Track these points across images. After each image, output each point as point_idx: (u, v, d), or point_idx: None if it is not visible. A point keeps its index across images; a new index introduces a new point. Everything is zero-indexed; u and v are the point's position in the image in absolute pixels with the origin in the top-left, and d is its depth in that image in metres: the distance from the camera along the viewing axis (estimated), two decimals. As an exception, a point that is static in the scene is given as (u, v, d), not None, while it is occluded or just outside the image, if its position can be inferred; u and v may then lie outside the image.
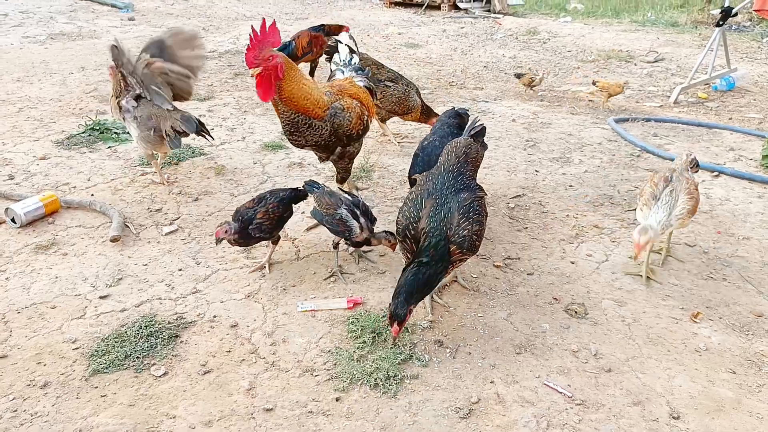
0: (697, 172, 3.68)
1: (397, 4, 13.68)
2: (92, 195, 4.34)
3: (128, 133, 4.49)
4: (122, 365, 2.76)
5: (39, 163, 4.82)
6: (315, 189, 3.48)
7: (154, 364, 2.78)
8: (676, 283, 3.50)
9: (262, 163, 4.96)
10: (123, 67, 4.21)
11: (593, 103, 6.88)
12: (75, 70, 7.43)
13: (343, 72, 4.17)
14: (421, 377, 2.74)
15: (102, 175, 4.67)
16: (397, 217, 3.03)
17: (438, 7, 13.18)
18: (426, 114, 5.27)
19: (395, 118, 5.55)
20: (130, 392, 2.62)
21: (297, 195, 3.57)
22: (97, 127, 5.40)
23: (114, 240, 3.71)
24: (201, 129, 4.23)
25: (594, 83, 6.73)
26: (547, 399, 2.65)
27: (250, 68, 3.33)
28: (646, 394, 2.68)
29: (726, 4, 7.05)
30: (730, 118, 6.39)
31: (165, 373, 2.73)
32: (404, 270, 2.84)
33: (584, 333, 3.07)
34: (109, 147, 5.16)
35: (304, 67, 7.03)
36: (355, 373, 2.73)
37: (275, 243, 3.54)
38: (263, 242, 3.53)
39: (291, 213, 3.56)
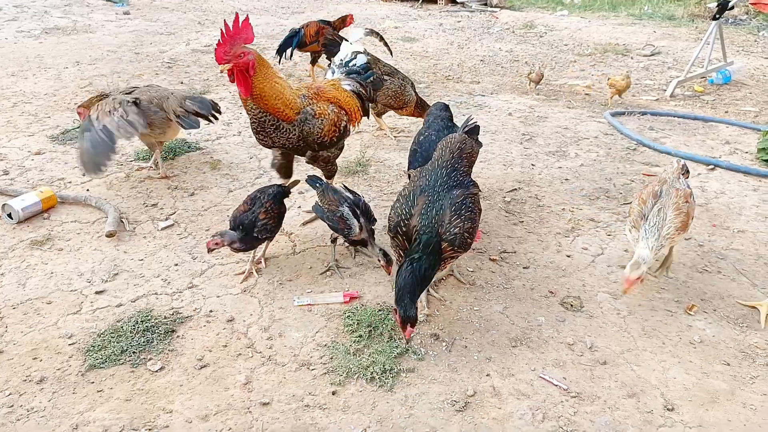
0: (687, 177, 3.55)
1: (393, -3, 13.62)
2: (87, 190, 4.33)
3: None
4: (118, 360, 2.76)
5: (34, 158, 4.80)
6: (317, 185, 3.49)
7: (150, 358, 2.79)
8: (671, 276, 3.51)
9: (258, 157, 4.94)
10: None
11: (589, 97, 6.88)
12: (70, 65, 7.39)
13: (333, 73, 4.01)
14: (417, 370, 2.75)
15: (97, 170, 4.65)
16: (389, 214, 3.02)
17: (434, 1, 13.14)
18: (421, 108, 5.27)
19: (391, 112, 5.55)
20: (127, 387, 2.62)
21: (284, 190, 3.54)
22: (92, 122, 5.37)
23: (110, 235, 3.70)
24: (215, 109, 4.36)
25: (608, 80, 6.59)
26: (542, 392, 2.66)
27: (219, 64, 3.18)
28: (640, 386, 2.70)
29: (722, -3, 7.04)
30: (726, 112, 6.40)
31: (161, 368, 2.73)
32: (399, 270, 2.82)
33: (580, 326, 3.09)
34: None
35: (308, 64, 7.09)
36: (351, 366, 2.74)
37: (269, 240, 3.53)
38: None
39: (285, 208, 3.53)
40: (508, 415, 2.53)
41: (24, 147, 4.99)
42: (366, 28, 4.37)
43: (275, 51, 6.80)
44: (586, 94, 7.00)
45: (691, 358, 2.89)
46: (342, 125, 3.61)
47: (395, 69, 5.33)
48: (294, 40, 6.70)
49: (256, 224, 3.26)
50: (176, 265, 3.51)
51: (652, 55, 8.77)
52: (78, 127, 5.32)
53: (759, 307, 3.21)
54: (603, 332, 3.05)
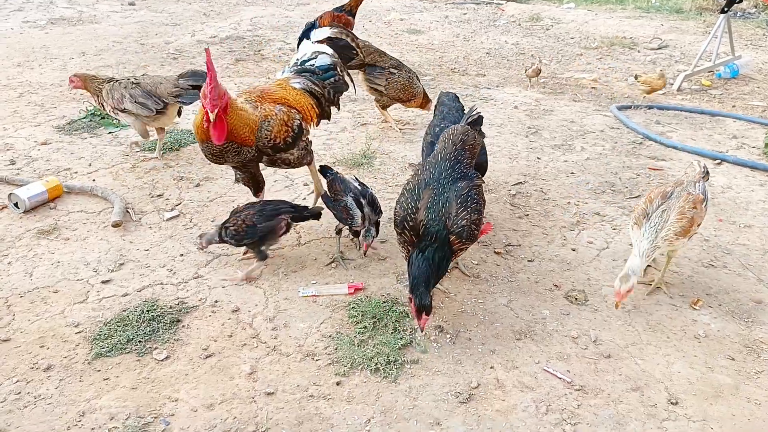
0: (707, 180, 3.44)
1: (399, -11, 13.54)
2: (93, 180, 4.35)
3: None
4: (124, 349, 2.78)
5: (40, 149, 4.81)
6: (328, 174, 3.53)
7: (156, 348, 2.80)
8: (677, 270, 3.50)
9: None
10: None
11: (596, 91, 6.84)
12: (75, 55, 7.40)
13: (282, 72, 3.76)
14: (421, 362, 2.76)
15: (103, 160, 4.67)
16: (395, 209, 3.01)
17: (440, -7, 13.05)
18: (426, 100, 5.28)
19: (396, 105, 5.54)
20: (133, 375, 2.64)
21: (293, 214, 3.37)
22: (98, 113, 5.38)
23: (116, 225, 3.72)
24: None
25: (636, 78, 6.35)
26: (546, 384, 2.67)
27: (212, 112, 2.92)
28: (644, 380, 2.70)
29: (731, -9, 6.97)
30: (734, 106, 6.36)
31: (167, 357, 2.75)
32: (410, 261, 2.80)
33: (584, 319, 3.09)
34: (110, 132, 5.15)
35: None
36: (355, 357, 2.75)
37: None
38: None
39: (274, 226, 3.27)
40: (512, 408, 2.54)
41: (30, 137, 5.01)
42: (332, 29, 4.02)
43: (296, 44, 6.83)
44: (593, 87, 6.97)
45: (695, 352, 2.88)
46: (295, 124, 3.38)
47: (401, 62, 5.33)
48: (310, 33, 6.70)
49: (227, 227, 3.23)
50: (182, 255, 3.52)
51: (660, 48, 8.70)
52: (84, 117, 5.34)
53: None
54: (607, 326, 3.05)
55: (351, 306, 3.09)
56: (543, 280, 3.39)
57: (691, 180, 3.31)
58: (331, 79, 3.75)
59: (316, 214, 3.42)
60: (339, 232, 3.51)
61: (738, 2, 7.07)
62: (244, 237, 3.20)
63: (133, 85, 4.37)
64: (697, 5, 11.37)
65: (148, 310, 3.01)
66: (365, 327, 2.94)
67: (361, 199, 3.27)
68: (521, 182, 4.53)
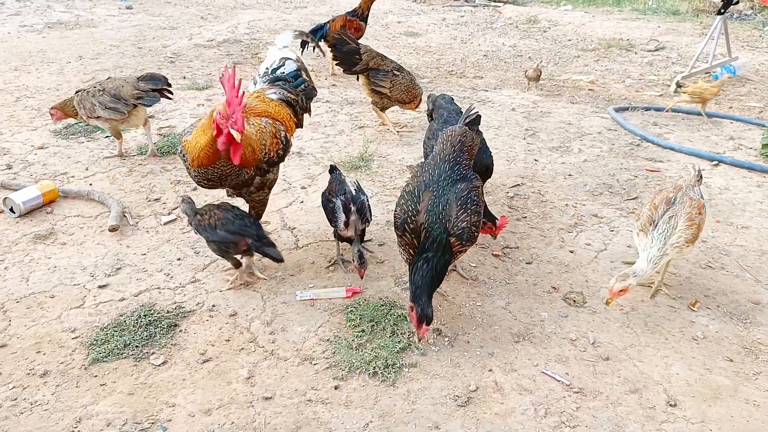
0: (701, 184, 3.39)
1: (396, -8, 13.56)
2: (90, 184, 4.34)
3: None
4: (121, 354, 2.77)
5: (37, 153, 4.80)
6: (334, 172, 3.59)
7: (153, 353, 2.79)
8: (675, 272, 3.50)
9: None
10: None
11: (593, 93, 6.85)
12: (72, 59, 7.39)
13: (255, 83, 3.59)
14: (419, 365, 2.75)
15: (100, 164, 4.66)
16: (395, 211, 3.00)
17: (437, -4, 13.06)
18: (421, 101, 5.35)
19: (394, 108, 5.54)
20: (130, 381, 2.63)
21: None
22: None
23: (112, 229, 3.71)
24: (166, 83, 4.65)
25: (678, 86, 5.82)
26: (545, 387, 2.66)
27: (240, 132, 2.78)
28: (643, 382, 2.70)
29: (727, -8, 6.99)
30: (731, 107, 6.36)
31: (164, 362, 2.74)
32: (414, 268, 2.78)
33: (582, 321, 3.08)
34: (107, 137, 5.14)
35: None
36: (353, 361, 2.74)
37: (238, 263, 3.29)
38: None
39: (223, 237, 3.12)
40: (511, 411, 2.53)
41: (27, 141, 5.00)
42: (295, 31, 3.94)
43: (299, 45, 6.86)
44: (590, 89, 6.98)
45: (694, 354, 2.88)
46: (282, 136, 3.24)
47: (400, 65, 5.37)
48: (318, 33, 6.78)
49: (198, 212, 3.19)
50: (179, 259, 3.51)
51: (657, 50, 8.72)
52: (81, 122, 5.32)
53: None
54: (606, 328, 3.04)
55: (349, 309, 3.08)
56: (541, 283, 3.38)
57: (688, 184, 3.29)
58: (302, 86, 3.63)
59: (275, 258, 3.13)
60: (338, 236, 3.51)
61: (734, 4, 7.09)
62: (201, 232, 3.15)
63: (100, 92, 4.50)
64: (693, 7, 11.40)
65: (145, 315, 3.00)
66: (363, 330, 2.93)
67: (350, 205, 3.26)
68: (519, 184, 4.53)
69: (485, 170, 3.73)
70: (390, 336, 2.91)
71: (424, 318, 2.67)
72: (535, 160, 4.97)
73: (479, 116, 3.55)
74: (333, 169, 3.63)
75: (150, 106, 4.62)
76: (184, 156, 3.01)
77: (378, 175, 4.61)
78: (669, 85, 6.98)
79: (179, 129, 5.27)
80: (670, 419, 2.51)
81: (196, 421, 2.44)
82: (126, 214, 3.93)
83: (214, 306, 3.12)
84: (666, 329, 3.04)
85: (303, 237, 3.77)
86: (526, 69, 6.86)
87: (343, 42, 5.22)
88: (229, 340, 2.89)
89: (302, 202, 4.18)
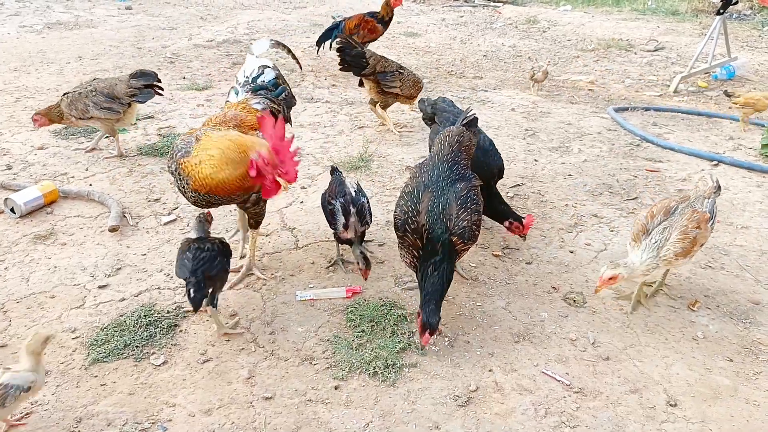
0: (719, 195, 3.26)
1: (396, -8, 13.55)
2: (90, 185, 4.34)
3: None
4: (122, 354, 2.77)
5: (37, 153, 4.80)
6: (335, 173, 3.58)
7: (153, 353, 2.79)
8: (675, 272, 3.50)
9: (261, 152, 4.93)
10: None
11: (593, 93, 6.85)
12: (72, 60, 7.39)
13: (237, 93, 3.45)
14: (419, 366, 2.75)
15: (100, 164, 4.66)
16: (395, 212, 3.00)
17: (437, -4, 13.06)
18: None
19: (394, 107, 5.55)
20: (130, 381, 2.63)
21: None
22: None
23: (112, 230, 3.71)
24: (157, 79, 4.68)
25: (728, 95, 5.54)
26: (545, 387, 2.66)
27: (293, 182, 2.76)
28: (643, 382, 2.70)
29: (727, -8, 6.99)
30: (730, 108, 6.36)
31: (164, 362, 2.74)
32: (424, 273, 2.77)
33: (582, 321, 3.08)
34: (106, 137, 5.14)
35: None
36: (353, 361, 2.74)
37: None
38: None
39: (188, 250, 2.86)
40: (511, 411, 2.53)
41: (27, 142, 4.99)
42: (271, 40, 3.83)
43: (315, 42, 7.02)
44: (590, 89, 6.98)
45: (694, 354, 2.88)
46: None
47: (400, 64, 5.39)
48: (333, 32, 6.82)
49: (201, 238, 2.95)
50: (179, 259, 3.51)
51: (656, 50, 8.73)
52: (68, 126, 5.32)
53: None
54: (606, 328, 3.04)
55: (349, 309, 3.08)
56: (541, 283, 3.39)
57: (701, 195, 3.15)
58: (282, 95, 3.55)
59: (191, 304, 2.71)
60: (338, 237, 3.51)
61: (734, 4, 7.10)
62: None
63: (93, 93, 4.53)
64: (693, 7, 11.41)
65: (145, 315, 3.00)
66: (363, 330, 2.93)
67: (350, 207, 3.26)
68: (519, 184, 4.53)
69: (498, 172, 3.72)
70: (390, 336, 2.91)
71: (428, 326, 2.67)
72: (535, 160, 4.97)
73: (476, 118, 3.57)
74: (334, 170, 3.62)
75: (143, 102, 4.68)
76: (181, 178, 2.75)
77: (378, 176, 4.62)
78: (668, 86, 6.99)
79: (179, 129, 5.27)
80: (670, 419, 2.51)
81: (196, 421, 2.44)
82: (126, 215, 3.93)
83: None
84: (666, 329, 3.04)
85: (303, 237, 3.77)
86: (534, 72, 6.60)
87: (350, 46, 5.20)
88: (229, 341, 2.89)
89: (302, 202, 4.18)
